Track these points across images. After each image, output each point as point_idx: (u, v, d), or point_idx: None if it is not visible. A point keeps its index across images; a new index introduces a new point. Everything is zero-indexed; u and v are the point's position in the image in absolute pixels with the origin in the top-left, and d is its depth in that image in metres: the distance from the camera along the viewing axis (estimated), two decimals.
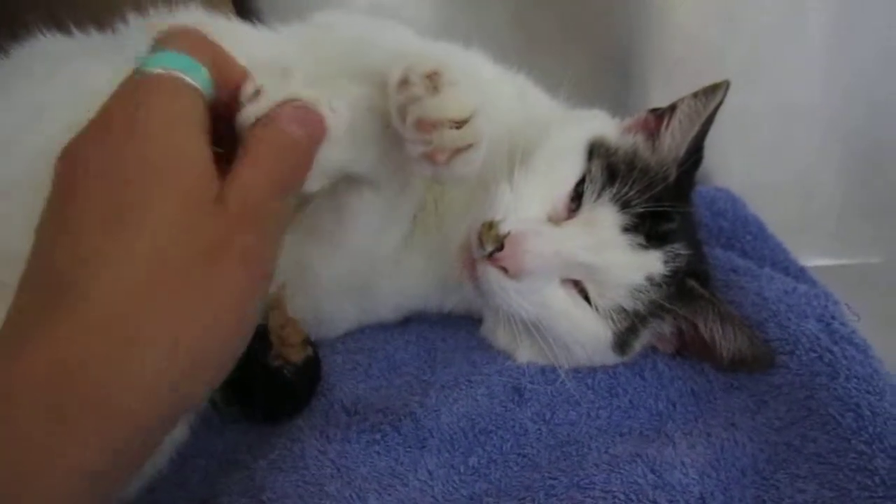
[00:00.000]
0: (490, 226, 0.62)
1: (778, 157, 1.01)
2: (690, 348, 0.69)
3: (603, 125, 0.71)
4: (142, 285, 0.37)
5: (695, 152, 0.68)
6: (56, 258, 0.38)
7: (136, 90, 0.41)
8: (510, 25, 0.99)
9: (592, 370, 0.68)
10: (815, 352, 0.63)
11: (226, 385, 0.62)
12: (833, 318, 0.67)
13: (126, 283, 0.36)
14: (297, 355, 0.64)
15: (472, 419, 0.62)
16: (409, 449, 0.60)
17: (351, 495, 0.54)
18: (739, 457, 0.59)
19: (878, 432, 0.55)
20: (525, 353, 0.69)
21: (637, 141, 0.69)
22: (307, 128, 0.45)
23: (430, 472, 0.58)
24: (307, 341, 0.65)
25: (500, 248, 0.61)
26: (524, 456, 0.61)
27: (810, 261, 0.81)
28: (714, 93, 0.67)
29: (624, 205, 0.63)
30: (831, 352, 0.63)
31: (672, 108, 0.69)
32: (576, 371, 0.67)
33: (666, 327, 0.68)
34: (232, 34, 0.68)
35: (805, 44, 0.96)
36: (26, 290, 0.38)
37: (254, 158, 0.42)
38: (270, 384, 0.63)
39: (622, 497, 0.55)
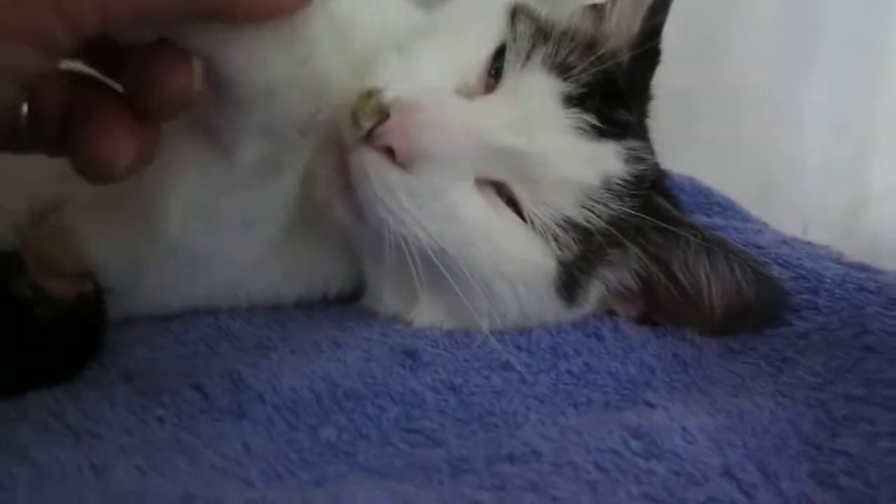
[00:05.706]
0: (369, 94, 0.41)
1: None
2: (664, 307, 0.47)
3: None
4: None
5: (651, 37, 0.50)
6: None
7: None
8: None
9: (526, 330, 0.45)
10: (850, 283, 0.44)
11: None
12: (845, 257, 0.49)
13: None
14: (64, 289, 0.39)
15: (332, 382, 0.38)
16: (215, 417, 0.34)
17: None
18: (768, 424, 0.36)
19: None
20: (426, 315, 0.46)
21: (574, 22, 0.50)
22: None
23: (247, 448, 0.32)
24: (86, 275, 0.41)
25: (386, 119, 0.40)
26: (417, 432, 0.36)
27: None
28: None
29: (562, 69, 0.44)
30: (874, 280, 0.43)
31: None
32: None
33: (628, 275, 0.47)
34: None
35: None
36: None
37: None
38: (11, 328, 0.37)
39: (591, 468, 0.31)
